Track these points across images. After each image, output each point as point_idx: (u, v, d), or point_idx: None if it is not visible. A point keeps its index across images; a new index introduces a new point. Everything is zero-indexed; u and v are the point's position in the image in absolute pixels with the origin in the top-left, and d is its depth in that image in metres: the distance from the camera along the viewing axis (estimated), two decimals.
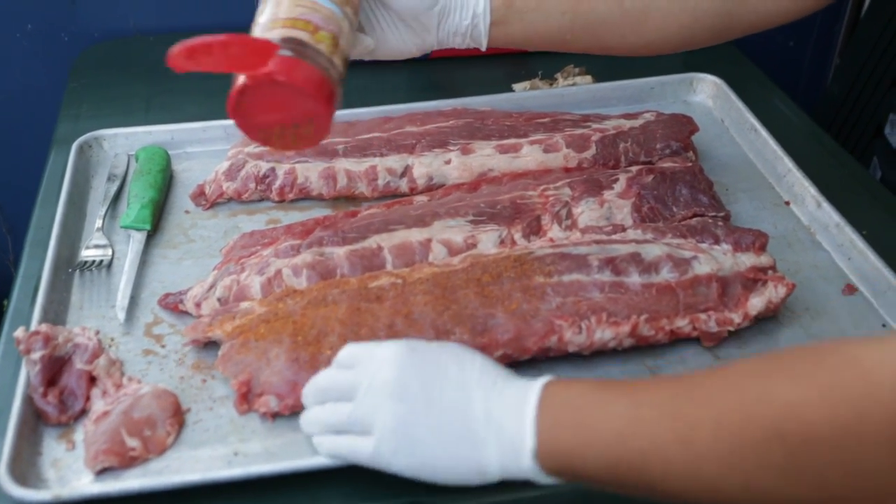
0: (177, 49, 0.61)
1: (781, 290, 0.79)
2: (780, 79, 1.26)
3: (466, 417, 0.61)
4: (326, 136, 0.71)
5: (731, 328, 0.78)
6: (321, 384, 0.67)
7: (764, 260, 0.81)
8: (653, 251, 0.80)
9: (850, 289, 0.85)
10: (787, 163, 0.97)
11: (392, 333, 0.74)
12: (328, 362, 0.72)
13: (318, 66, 0.67)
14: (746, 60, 1.28)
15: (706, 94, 1.13)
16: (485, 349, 0.74)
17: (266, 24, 0.69)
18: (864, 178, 1.03)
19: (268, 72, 0.65)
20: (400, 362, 0.63)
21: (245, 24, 1.27)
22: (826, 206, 0.91)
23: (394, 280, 0.79)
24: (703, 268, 0.79)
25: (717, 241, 0.82)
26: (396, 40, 0.81)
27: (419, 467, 0.62)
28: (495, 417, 0.61)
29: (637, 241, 0.81)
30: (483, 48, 0.84)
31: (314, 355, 0.73)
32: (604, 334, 0.75)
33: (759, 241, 0.82)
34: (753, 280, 0.80)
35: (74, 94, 1.20)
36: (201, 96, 1.17)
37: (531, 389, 0.61)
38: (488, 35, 0.82)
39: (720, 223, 0.85)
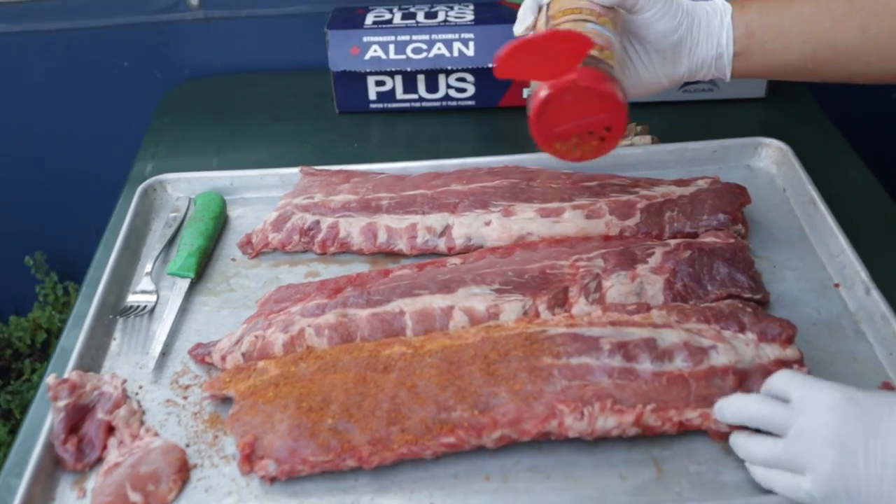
0: (503, 51, 0.70)
1: None
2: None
3: None
4: (616, 146, 0.78)
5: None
6: (749, 412, 0.71)
7: (790, 353, 0.78)
8: (669, 337, 0.78)
9: (887, 386, 0.80)
10: (842, 241, 0.92)
11: (394, 406, 0.75)
12: (328, 431, 0.74)
13: (613, 76, 0.74)
14: (827, 121, 1.22)
15: (770, 159, 1.08)
16: (483, 429, 0.74)
17: None
18: None
19: (572, 79, 0.72)
20: (842, 413, 0.65)
21: (323, 63, 1.27)
22: (875, 293, 0.86)
23: (404, 350, 0.80)
24: (720, 358, 0.76)
25: (742, 329, 0.79)
26: (649, 74, 0.86)
27: None
28: None
29: (655, 326, 0.79)
30: (727, 79, 0.87)
31: (315, 423, 0.74)
32: (606, 422, 0.74)
33: (786, 333, 0.78)
34: None
35: (155, 132, 1.27)
36: (269, 140, 1.23)
37: None
38: (731, 65, 0.85)
39: (749, 309, 0.81)
